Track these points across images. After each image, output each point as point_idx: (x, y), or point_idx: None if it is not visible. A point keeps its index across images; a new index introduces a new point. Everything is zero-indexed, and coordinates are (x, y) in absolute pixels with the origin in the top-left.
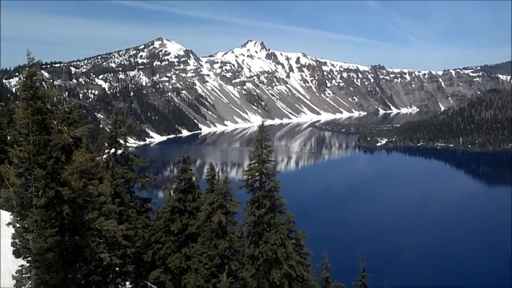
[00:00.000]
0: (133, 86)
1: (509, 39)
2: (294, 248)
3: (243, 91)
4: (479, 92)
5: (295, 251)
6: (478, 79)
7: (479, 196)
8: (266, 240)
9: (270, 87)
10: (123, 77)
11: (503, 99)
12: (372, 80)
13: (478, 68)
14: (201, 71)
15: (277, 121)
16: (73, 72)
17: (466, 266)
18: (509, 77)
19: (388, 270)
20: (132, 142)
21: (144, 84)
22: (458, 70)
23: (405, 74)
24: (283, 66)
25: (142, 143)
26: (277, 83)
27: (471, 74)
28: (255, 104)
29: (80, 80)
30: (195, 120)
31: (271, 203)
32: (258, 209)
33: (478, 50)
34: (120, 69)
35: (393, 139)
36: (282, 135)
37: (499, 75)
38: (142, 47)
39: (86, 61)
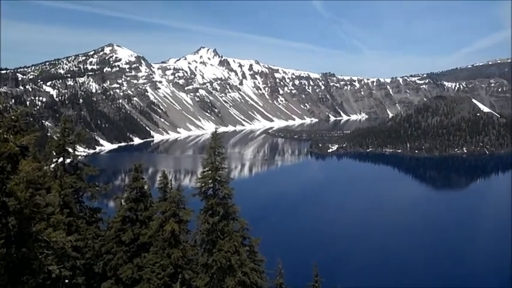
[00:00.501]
0: (83, 93)
1: (454, 48)
2: (247, 255)
3: (196, 98)
4: (425, 99)
5: (249, 258)
6: (424, 86)
7: (427, 200)
8: (220, 248)
9: (223, 94)
10: (72, 84)
11: (449, 106)
12: (323, 87)
13: (425, 75)
14: (153, 77)
15: (230, 128)
16: (20, 78)
17: (417, 269)
18: (454, 84)
19: (341, 274)
20: (82, 150)
21: (94, 91)
22: (406, 77)
23: (354, 81)
24: (236, 73)
25: (92, 151)
26: (230, 90)
27: (418, 82)
28: (208, 111)
29: (27, 86)
30: (147, 127)
31: (225, 211)
32: (211, 216)
33: (425, 57)
34: (69, 75)
35: (344, 145)
36: (236, 142)
37: (445, 83)
38: (92, 53)
39: (33, 67)
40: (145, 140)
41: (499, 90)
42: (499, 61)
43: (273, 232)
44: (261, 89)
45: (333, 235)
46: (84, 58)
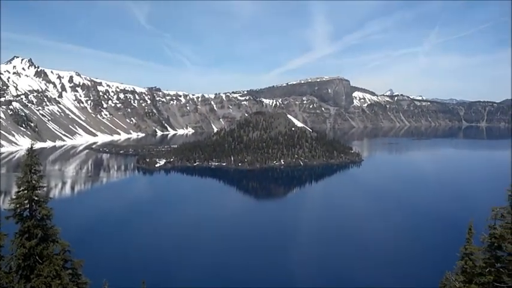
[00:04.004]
0: None
1: (271, 67)
2: (70, 279)
3: (9, 111)
4: (246, 114)
5: (72, 281)
6: (245, 102)
7: (249, 210)
8: (39, 273)
9: (40, 107)
10: None
11: (267, 121)
12: (149, 102)
13: (245, 92)
14: None
15: (49, 144)
16: None
17: (246, 275)
18: (271, 101)
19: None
20: None
21: None
22: (228, 94)
23: (180, 96)
24: (55, 85)
25: None
26: (48, 103)
27: (239, 98)
28: (24, 125)
29: None
30: None
31: (44, 233)
32: (28, 240)
33: (245, 75)
34: None
35: (171, 160)
36: (55, 158)
37: (263, 99)
38: None
39: None
40: None
41: (310, 106)
42: (309, 80)
43: (99, 252)
44: (83, 102)
45: (162, 250)
46: None
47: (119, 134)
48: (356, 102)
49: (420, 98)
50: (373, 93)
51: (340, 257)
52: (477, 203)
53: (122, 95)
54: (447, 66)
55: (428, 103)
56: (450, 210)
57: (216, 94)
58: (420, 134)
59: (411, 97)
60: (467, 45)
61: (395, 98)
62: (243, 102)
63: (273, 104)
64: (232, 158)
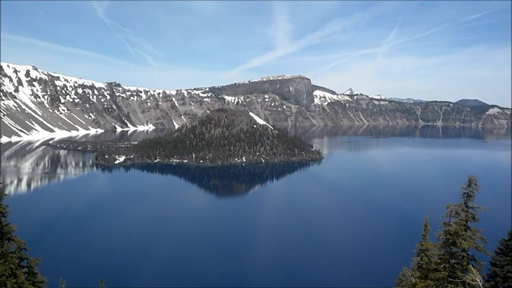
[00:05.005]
0: None
1: (233, 64)
2: (26, 278)
3: None
4: (208, 111)
5: (27, 280)
6: (207, 99)
7: (210, 207)
8: None
9: None
10: None
11: (229, 118)
12: (109, 97)
13: (207, 89)
14: None
15: (5, 139)
16: None
17: (206, 274)
18: (233, 98)
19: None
20: None
21: None
22: (190, 90)
23: (141, 92)
24: (10, 80)
25: None
26: (4, 98)
27: (201, 95)
28: None
29: None
30: None
31: None
32: None
33: (206, 72)
34: None
35: (131, 156)
36: (11, 154)
37: (225, 96)
38: None
39: None
40: None
41: (272, 104)
42: (271, 78)
43: (56, 250)
44: (40, 97)
45: (120, 248)
46: None
47: (77, 130)
48: (317, 101)
49: (379, 98)
50: (333, 92)
51: (299, 254)
52: (433, 200)
53: (80, 90)
54: (404, 66)
55: (387, 102)
56: (407, 207)
57: (177, 90)
58: (378, 133)
59: (370, 96)
60: (423, 47)
61: (355, 97)
62: (204, 99)
63: (235, 101)
64: (193, 155)
